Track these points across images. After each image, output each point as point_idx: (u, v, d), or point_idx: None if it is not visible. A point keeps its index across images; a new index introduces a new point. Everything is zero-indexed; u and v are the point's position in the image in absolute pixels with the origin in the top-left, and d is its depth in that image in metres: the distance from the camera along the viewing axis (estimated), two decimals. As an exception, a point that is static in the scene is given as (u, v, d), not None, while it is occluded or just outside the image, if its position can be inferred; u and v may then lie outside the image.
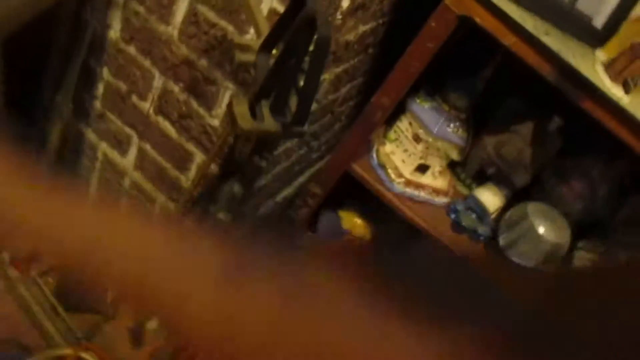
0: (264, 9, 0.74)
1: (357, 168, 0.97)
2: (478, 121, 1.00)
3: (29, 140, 1.01)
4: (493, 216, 1.00)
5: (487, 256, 0.95)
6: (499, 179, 1.00)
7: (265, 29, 0.66)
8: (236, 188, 0.74)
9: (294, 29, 0.56)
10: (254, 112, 0.57)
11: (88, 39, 0.91)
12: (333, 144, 1.19)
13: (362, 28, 0.82)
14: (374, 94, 0.87)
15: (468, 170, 1.05)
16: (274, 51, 0.61)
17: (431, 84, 0.97)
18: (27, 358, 0.90)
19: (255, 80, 0.58)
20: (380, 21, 0.88)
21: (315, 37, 0.52)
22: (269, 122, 0.57)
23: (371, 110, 0.88)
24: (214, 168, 0.85)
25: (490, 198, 1.00)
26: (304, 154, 1.09)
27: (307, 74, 0.54)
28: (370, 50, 0.96)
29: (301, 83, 0.56)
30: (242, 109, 0.56)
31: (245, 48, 0.60)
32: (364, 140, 0.94)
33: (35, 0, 0.72)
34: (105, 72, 0.98)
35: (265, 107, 0.58)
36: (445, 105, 0.95)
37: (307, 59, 0.57)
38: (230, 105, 0.56)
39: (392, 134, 1.01)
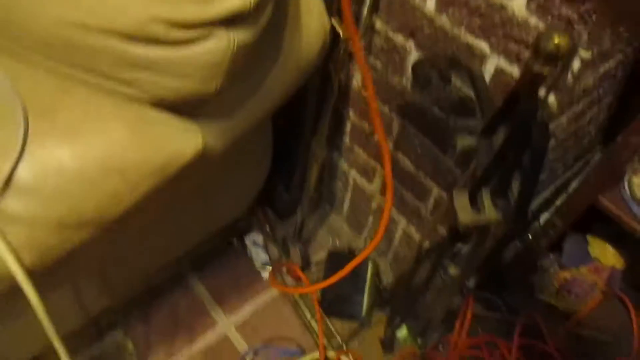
0: (489, 70, 0.75)
1: (606, 201, 0.90)
2: None
3: (293, 174, 1.20)
4: None
5: None
6: None
7: (488, 101, 0.67)
8: (464, 247, 0.78)
9: (512, 123, 0.57)
10: (474, 200, 0.60)
11: (336, 89, 1.03)
12: (581, 154, 1.12)
13: (604, 68, 0.76)
14: (621, 133, 0.80)
15: None
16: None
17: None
18: (300, 356, 1.11)
19: (477, 165, 0.61)
20: (629, 50, 0.79)
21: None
22: (490, 212, 0.59)
23: (618, 149, 0.81)
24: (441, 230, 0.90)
25: None
26: (547, 176, 1.05)
27: (524, 174, 0.54)
28: (620, 74, 0.87)
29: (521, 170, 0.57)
30: (462, 202, 0.60)
31: (467, 129, 0.63)
32: (610, 176, 0.87)
33: (298, 78, 0.85)
34: (352, 114, 1.09)
35: (485, 195, 0.60)
36: None
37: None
38: (450, 198, 0.60)
39: (649, 162, 0.90)
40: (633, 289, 1.11)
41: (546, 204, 1.12)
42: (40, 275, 0.60)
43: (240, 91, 0.73)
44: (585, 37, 0.63)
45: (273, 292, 1.23)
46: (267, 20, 0.64)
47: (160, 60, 0.58)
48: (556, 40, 0.51)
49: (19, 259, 0.57)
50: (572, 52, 0.53)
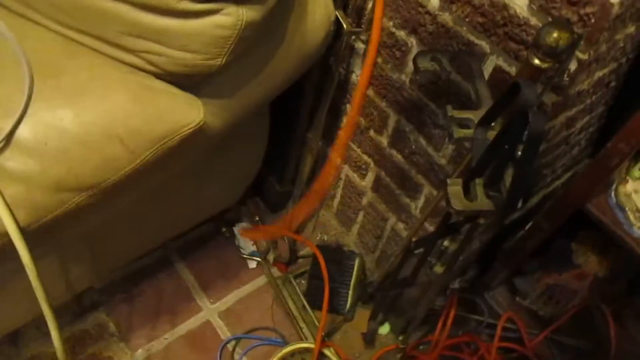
0: (488, 67, 0.76)
1: (592, 208, 0.92)
2: None
3: (286, 166, 1.21)
4: None
5: None
6: None
7: (486, 95, 0.69)
8: (451, 245, 0.79)
9: (509, 115, 0.58)
10: (467, 190, 0.62)
11: (335, 82, 1.05)
12: (570, 165, 1.14)
13: (599, 74, 0.78)
14: (611, 139, 0.82)
15: None
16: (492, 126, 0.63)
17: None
18: (282, 346, 1.11)
19: (472, 156, 0.62)
20: (623, 60, 0.81)
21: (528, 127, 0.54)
22: (482, 201, 0.60)
23: (607, 154, 0.83)
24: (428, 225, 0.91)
25: None
26: (536, 181, 1.07)
27: (519, 160, 0.56)
28: (613, 84, 0.89)
29: (515, 163, 0.58)
30: (455, 189, 0.61)
31: (464, 121, 0.65)
32: (599, 181, 0.89)
33: (299, 65, 0.86)
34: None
35: (479, 186, 0.61)
36: None
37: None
38: (444, 186, 0.61)
39: (636, 171, 0.93)
40: (613, 297, 1.13)
41: (533, 210, 1.14)
42: (32, 236, 0.60)
43: (243, 71, 0.74)
44: (582, 39, 0.65)
45: (258, 282, 1.24)
46: (276, 1, 0.65)
47: (169, 30, 0.59)
48: (556, 35, 0.52)
49: (14, 216, 0.57)
50: (571, 48, 0.54)
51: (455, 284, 1.20)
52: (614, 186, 0.94)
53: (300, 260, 1.28)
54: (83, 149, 0.58)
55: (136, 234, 1.06)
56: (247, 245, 1.27)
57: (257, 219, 1.31)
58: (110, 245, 1.02)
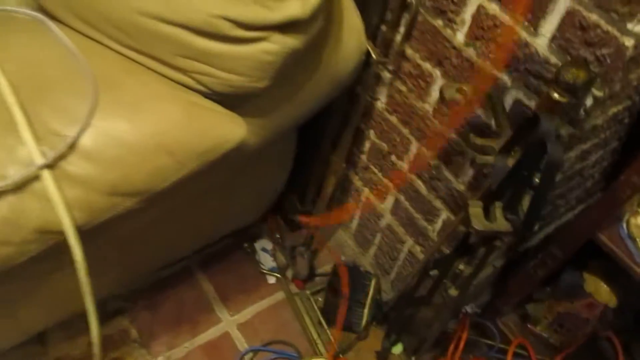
0: (508, 100, 0.82)
1: (603, 237, 0.96)
2: None
3: (308, 186, 1.26)
4: None
5: None
6: None
7: (507, 125, 0.74)
8: (466, 269, 0.83)
9: (528, 144, 0.63)
10: (487, 212, 0.66)
11: (361, 108, 1.10)
12: (584, 197, 1.18)
13: (613, 110, 0.83)
14: (623, 173, 0.86)
15: None
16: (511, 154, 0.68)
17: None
18: (297, 359, 1.14)
19: (492, 181, 0.67)
20: (636, 98, 0.86)
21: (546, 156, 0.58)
22: (501, 223, 0.65)
23: (619, 187, 0.87)
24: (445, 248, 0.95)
25: None
26: (550, 211, 1.11)
27: (537, 186, 0.60)
28: (627, 120, 0.94)
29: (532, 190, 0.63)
30: (476, 211, 0.66)
31: (485, 149, 0.70)
32: (610, 212, 0.93)
33: (331, 91, 0.92)
34: (372, 134, 1.16)
35: (498, 208, 0.66)
36: None
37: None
38: (466, 206, 0.66)
39: (647, 205, 0.97)
40: (623, 328, 1.15)
41: (546, 240, 1.18)
42: (83, 235, 0.65)
43: (281, 94, 0.80)
44: (598, 77, 0.70)
45: (277, 297, 1.28)
46: (317, 32, 0.71)
47: (220, 54, 0.65)
48: (574, 73, 0.58)
49: (71, 217, 0.62)
50: (588, 85, 0.59)
51: (468, 308, 1.24)
52: (626, 217, 0.98)
53: (317, 277, 1.32)
54: (137, 158, 0.64)
55: (163, 243, 1.11)
56: (267, 261, 1.32)
57: (278, 235, 1.36)
58: (137, 252, 1.07)
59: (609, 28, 0.66)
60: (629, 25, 0.64)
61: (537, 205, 0.62)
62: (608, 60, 0.68)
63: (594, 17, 0.68)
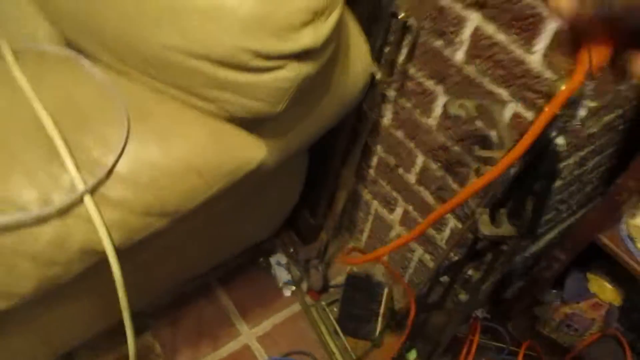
0: (507, 113, 0.87)
1: (604, 239, 1.01)
2: None
3: (319, 200, 1.31)
4: None
5: None
6: None
7: (507, 137, 0.80)
8: (475, 275, 0.88)
9: (528, 154, 0.69)
10: (493, 218, 0.72)
11: (368, 125, 1.16)
12: (584, 202, 1.23)
13: (607, 118, 0.88)
14: (620, 176, 0.91)
15: None
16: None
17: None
18: (317, 369, 1.19)
19: (497, 189, 0.73)
20: (627, 106, 0.92)
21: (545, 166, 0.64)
22: (506, 228, 0.70)
23: (616, 191, 0.92)
24: (452, 255, 1.01)
25: None
26: (554, 216, 1.16)
27: (538, 193, 0.66)
28: (621, 127, 0.99)
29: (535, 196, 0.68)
30: (484, 218, 0.71)
31: (488, 160, 0.75)
32: (610, 214, 0.98)
33: (341, 111, 0.97)
34: (379, 149, 1.22)
35: (503, 215, 0.71)
36: None
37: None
38: (473, 214, 0.71)
39: (644, 206, 1.02)
40: (629, 326, 1.20)
41: (550, 244, 1.23)
42: (121, 254, 0.71)
43: (295, 116, 0.86)
44: (591, 90, 0.75)
45: (293, 309, 1.33)
46: (327, 58, 0.77)
47: (242, 83, 0.71)
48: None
49: (111, 237, 0.68)
50: (579, 98, 0.65)
51: (479, 313, 1.28)
52: (624, 219, 1.03)
53: (331, 289, 1.37)
54: (169, 180, 0.70)
55: (183, 261, 1.16)
56: (282, 274, 1.37)
57: (292, 250, 1.41)
58: (160, 271, 1.12)
59: (598, 45, 0.72)
60: (615, 42, 0.70)
61: (539, 210, 0.67)
62: (599, 74, 0.74)
63: (583, 35, 0.73)
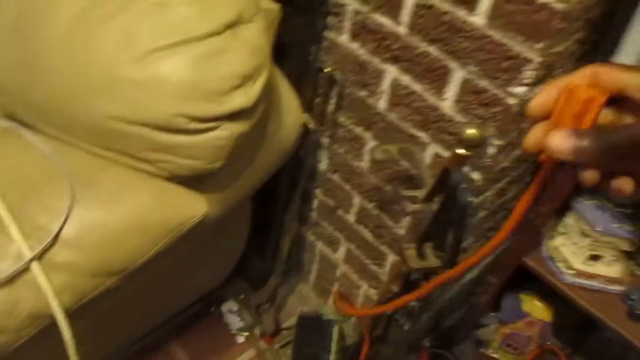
0: (428, 154, 0.96)
1: (529, 261, 1.10)
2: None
3: (266, 245, 1.36)
4: (674, 304, 1.03)
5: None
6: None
7: (428, 177, 0.88)
8: (416, 304, 0.95)
9: (446, 191, 0.77)
10: (420, 252, 0.79)
11: (306, 171, 1.23)
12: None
13: (516, 152, 0.98)
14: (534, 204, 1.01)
15: (646, 256, 1.10)
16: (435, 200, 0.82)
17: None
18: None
19: (421, 225, 0.80)
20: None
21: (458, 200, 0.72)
22: (431, 260, 0.77)
23: (533, 216, 1.02)
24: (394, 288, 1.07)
25: (669, 286, 1.03)
26: (484, 244, 1.25)
27: (456, 226, 0.73)
28: (533, 159, 1.10)
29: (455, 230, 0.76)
30: (410, 252, 0.78)
31: (412, 198, 0.83)
32: (532, 238, 1.07)
33: (278, 160, 1.03)
34: (319, 192, 1.28)
35: (429, 248, 0.78)
36: (608, 202, 1.03)
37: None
38: (402, 250, 0.78)
39: (560, 228, 1.12)
40: (564, 340, 1.29)
41: (487, 269, 1.31)
42: (70, 316, 0.73)
43: (234, 170, 0.91)
44: (495, 130, 0.85)
45: (248, 354, 1.35)
46: (260, 116, 0.84)
47: (180, 145, 0.76)
48: (471, 131, 0.72)
49: (60, 301, 0.70)
50: (483, 140, 0.74)
51: (427, 342, 1.35)
52: (545, 241, 1.12)
53: (284, 331, 1.40)
54: (115, 240, 0.73)
55: (134, 317, 1.18)
56: (234, 321, 1.39)
57: (242, 296, 1.44)
58: (113, 325, 1.13)
59: (496, 91, 0.82)
60: (510, 88, 0.80)
61: (457, 240, 0.75)
62: (500, 116, 0.84)
63: (483, 83, 0.83)
